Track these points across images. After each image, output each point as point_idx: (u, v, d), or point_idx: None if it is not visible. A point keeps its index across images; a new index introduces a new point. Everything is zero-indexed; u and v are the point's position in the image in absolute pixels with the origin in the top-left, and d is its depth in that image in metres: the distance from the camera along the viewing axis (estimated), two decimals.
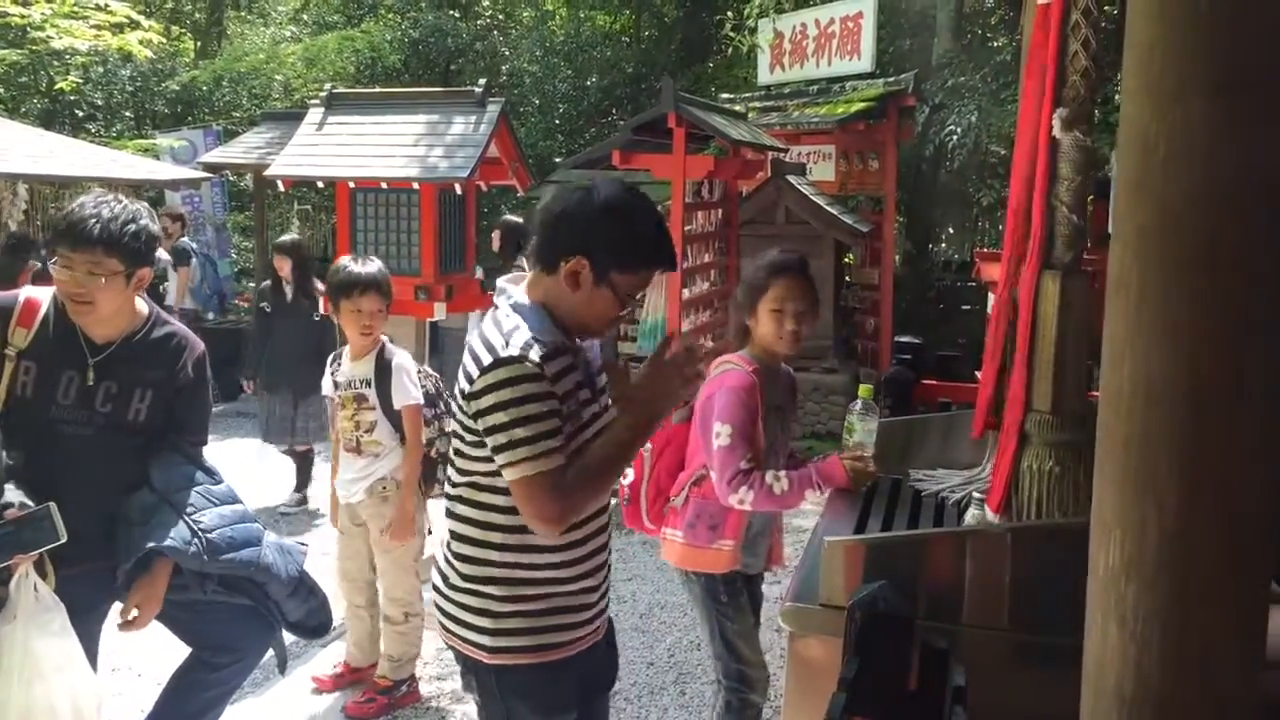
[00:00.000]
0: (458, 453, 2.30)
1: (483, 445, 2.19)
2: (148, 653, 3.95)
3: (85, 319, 2.73)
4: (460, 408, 2.24)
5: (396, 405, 3.94)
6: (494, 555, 2.26)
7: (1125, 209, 1.28)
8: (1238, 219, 1.20)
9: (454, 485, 2.32)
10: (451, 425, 2.41)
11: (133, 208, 2.71)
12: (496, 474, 2.19)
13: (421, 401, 4.02)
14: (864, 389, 3.11)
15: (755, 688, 3.15)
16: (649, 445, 3.24)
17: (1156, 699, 1.27)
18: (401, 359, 4.02)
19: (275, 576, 2.88)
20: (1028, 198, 2.41)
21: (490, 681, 2.30)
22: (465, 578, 2.30)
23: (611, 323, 2.31)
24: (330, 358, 4.16)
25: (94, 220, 2.62)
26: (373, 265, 3.95)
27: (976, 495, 2.64)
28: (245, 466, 6.85)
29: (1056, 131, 2.33)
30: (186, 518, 2.73)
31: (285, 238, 6.98)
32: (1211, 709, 1.26)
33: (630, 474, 3.25)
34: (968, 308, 11.33)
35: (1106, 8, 2.33)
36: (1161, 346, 1.23)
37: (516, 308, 2.24)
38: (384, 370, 3.95)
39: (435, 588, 2.40)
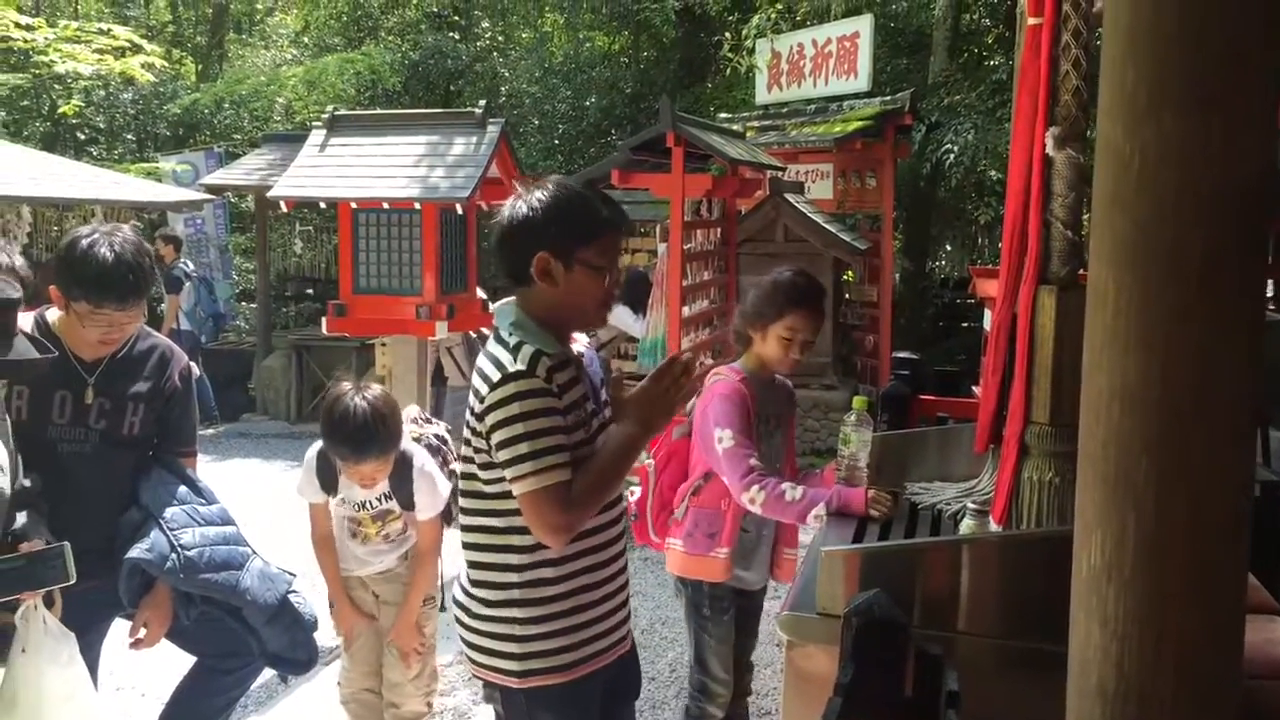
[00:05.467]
0: (468, 476, 2.29)
1: (494, 466, 2.19)
2: (152, 671, 3.97)
3: (105, 349, 2.78)
4: (471, 428, 2.24)
5: (422, 517, 3.32)
6: (513, 577, 2.25)
7: (1101, 223, 1.32)
8: (1209, 231, 1.25)
9: (467, 512, 2.32)
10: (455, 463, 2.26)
11: (132, 237, 2.71)
12: (509, 494, 2.18)
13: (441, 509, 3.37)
14: (858, 401, 3.15)
15: (714, 701, 3.25)
16: (652, 462, 3.30)
17: (1138, 696, 1.31)
18: (422, 459, 3.30)
19: (251, 602, 2.84)
20: (1023, 215, 2.44)
21: (520, 701, 2.30)
22: (487, 603, 2.29)
23: (603, 302, 2.30)
24: (315, 466, 3.29)
25: (126, 270, 2.63)
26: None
27: (971, 506, 2.67)
28: (242, 487, 6.88)
29: (1050, 149, 2.35)
30: (169, 533, 2.76)
31: None
32: (1191, 705, 1.29)
33: (637, 490, 3.30)
34: (966, 324, 11.37)
35: (1099, 29, 2.39)
36: (1137, 354, 1.27)
37: (517, 325, 2.26)
38: (403, 470, 3.25)
39: (457, 619, 2.39)
